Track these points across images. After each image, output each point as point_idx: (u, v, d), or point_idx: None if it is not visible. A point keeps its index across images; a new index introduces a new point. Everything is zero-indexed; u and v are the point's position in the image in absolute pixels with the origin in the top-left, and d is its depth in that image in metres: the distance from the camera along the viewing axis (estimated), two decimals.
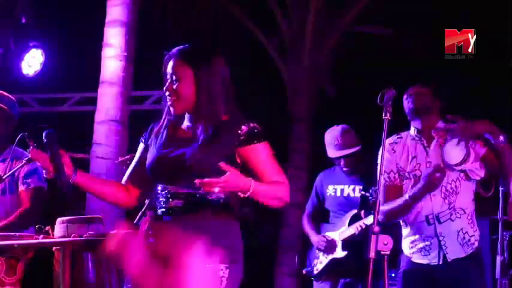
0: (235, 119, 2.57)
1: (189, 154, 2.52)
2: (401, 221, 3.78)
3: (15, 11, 6.64)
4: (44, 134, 2.65)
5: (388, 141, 3.76)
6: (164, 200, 2.57)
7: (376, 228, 3.10)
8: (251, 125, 2.57)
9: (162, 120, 2.70)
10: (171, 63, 2.60)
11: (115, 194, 2.79)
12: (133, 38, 6.41)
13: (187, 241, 2.50)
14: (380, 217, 3.74)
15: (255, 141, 2.55)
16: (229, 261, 2.53)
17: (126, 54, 6.25)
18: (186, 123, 2.65)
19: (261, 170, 2.54)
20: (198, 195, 2.51)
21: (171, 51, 2.64)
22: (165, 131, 2.67)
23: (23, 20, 6.71)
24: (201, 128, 2.54)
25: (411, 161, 3.71)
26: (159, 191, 2.59)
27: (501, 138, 3.52)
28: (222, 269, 2.50)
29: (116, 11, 6.37)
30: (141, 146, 2.77)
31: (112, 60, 6.29)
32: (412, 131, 3.76)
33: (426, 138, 3.71)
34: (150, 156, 2.65)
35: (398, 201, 3.60)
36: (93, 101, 6.67)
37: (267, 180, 2.53)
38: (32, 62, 7.09)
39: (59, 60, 7.55)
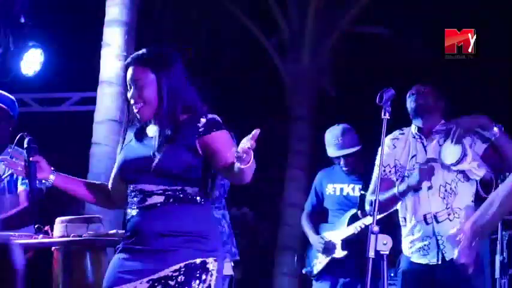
0: (196, 115, 2.60)
1: (152, 154, 2.55)
2: (400, 221, 3.78)
3: (14, 11, 6.62)
4: (26, 140, 2.77)
5: (390, 136, 3.76)
6: (139, 198, 2.58)
7: (376, 228, 3.10)
8: (209, 116, 2.61)
9: (124, 125, 2.73)
10: (131, 71, 2.62)
11: (95, 197, 2.84)
12: (133, 38, 6.40)
13: (174, 236, 2.51)
14: (368, 206, 3.75)
15: (214, 130, 2.57)
16: (216, 253, 2.54)
17: (125, 54, 6.24)
18: (150, 126, 2.68)
19: (223, 154, 2.51)
20: (173, 190, 2.54)
21: (128, 59, 2.66)
22: (132, 134, 2.71)
23: (22, 20, 6.69)
24: (161, 128, 2.57)
25: (411, 159, 3.71)
26: (132, 191, 2.61)
27: (495, 129, 3.50)
28: (211, 262, 2.51)
29: (115, 11, 6.36)
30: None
31: (111, 60, 6.28)
32: (413, 129, 3.75)
33: (426, 138, 3.71)
34: (119, 160, 2.70)
35: (388, 193, 3.61)
36: (93, 101, 6.67)
37: (227, 164, 2.52)
38: (31, 61, 7.07)
39: (59, 60, 7.54)
